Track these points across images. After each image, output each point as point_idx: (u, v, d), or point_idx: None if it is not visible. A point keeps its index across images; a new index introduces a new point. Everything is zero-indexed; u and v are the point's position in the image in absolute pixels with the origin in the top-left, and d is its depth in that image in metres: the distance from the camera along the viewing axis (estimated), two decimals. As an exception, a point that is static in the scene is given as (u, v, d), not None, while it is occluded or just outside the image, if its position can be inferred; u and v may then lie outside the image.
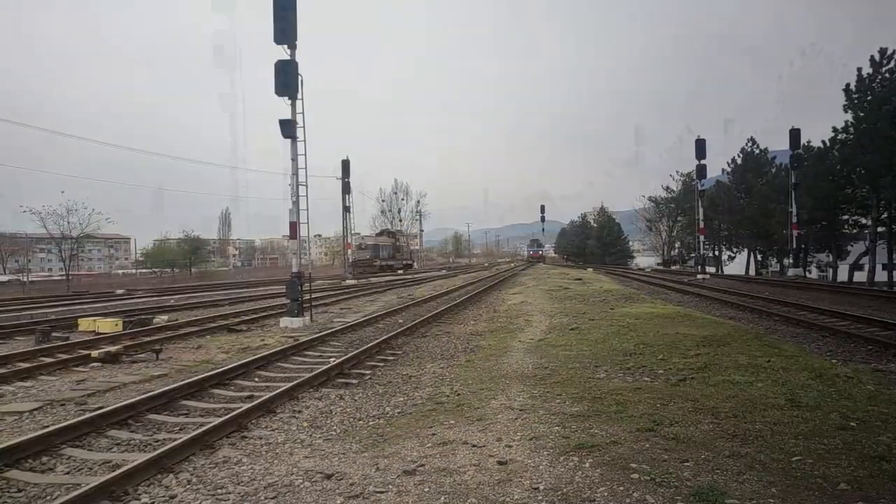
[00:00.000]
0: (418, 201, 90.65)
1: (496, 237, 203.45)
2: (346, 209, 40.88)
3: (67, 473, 5.01)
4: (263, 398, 6.98)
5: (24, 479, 4.80)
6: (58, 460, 5.29)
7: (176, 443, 5.24)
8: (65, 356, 10.60)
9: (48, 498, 4.45)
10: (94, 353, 10.39)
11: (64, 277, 45.43)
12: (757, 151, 54.30)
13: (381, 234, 67.18)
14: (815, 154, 41.47)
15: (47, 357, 10.60)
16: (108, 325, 13.93)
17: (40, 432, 5.64)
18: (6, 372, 9.19)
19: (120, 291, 31.56)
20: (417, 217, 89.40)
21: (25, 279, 50.69)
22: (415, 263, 75.51)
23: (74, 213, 42.88)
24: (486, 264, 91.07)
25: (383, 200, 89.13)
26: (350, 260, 44.22)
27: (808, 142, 42.82)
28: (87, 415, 6.32)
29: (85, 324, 14.53)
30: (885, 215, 35.44)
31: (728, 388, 6.97)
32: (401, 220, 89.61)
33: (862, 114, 35.15)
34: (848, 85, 35.88)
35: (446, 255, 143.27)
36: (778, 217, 41.31)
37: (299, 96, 15.62)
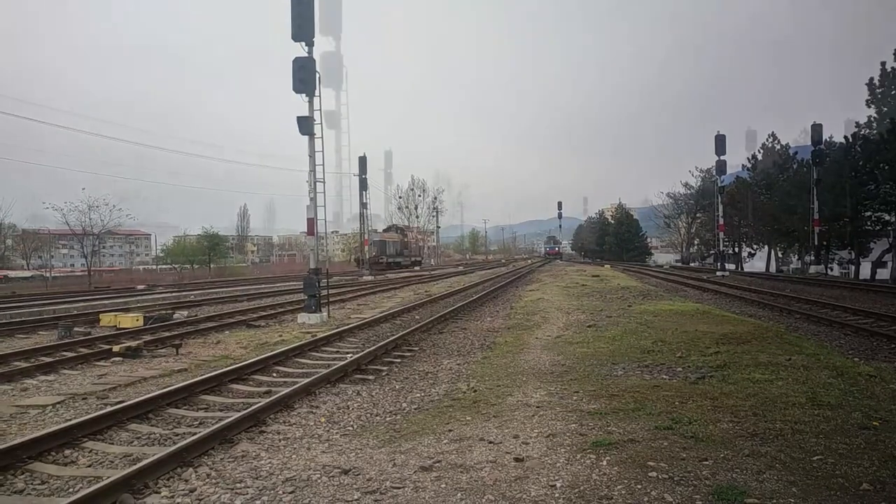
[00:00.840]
0: (435, 198, 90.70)
1: (513, 234, 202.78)
2: (364, 205, 41.01)
3: (89, 466, 5.09)
4: (281, 393, 7.03)
5: (47, 472, 4.89)
6: (80, 453, 5.38)
7: (195, 437, 5.29)
8: (86, 351, 10.79)
9: (70, 490, 4.52)
10: (116, 348, 10.57)
11: (86, 273, 46.10)
12: (778, 147, 53.55)
13: (388, 229, 65.17)
14: (838, 149, 40.77)
15: (69, 352, 10.79)
16: (129, 321, 14.13)
17: (63, 425, 5.73)
18: (29, 366, 9.39)
19: (140, 287, 31.96)
20: (434, 214, 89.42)
21: (48, 274, 51.61)
22: (433, 260, 75.26)
23: (96, 209, 43.48)
24: (503, 261, 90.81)
25: (400, 197, 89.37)
26: (367, 256, 44.23)
27: (831, 137, 42.13)
28: (109, 409, 6.42)
29: (106, 319, 14.77)
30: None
31: (748, 386, 6.89)
32: (417, 217, 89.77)
33: (885, 108, 34.47)
34: (871, 79, 35.21)
35: (463, 251, 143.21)
36: (799, 213, 40.68)
37: (317, 93, 15.68)
